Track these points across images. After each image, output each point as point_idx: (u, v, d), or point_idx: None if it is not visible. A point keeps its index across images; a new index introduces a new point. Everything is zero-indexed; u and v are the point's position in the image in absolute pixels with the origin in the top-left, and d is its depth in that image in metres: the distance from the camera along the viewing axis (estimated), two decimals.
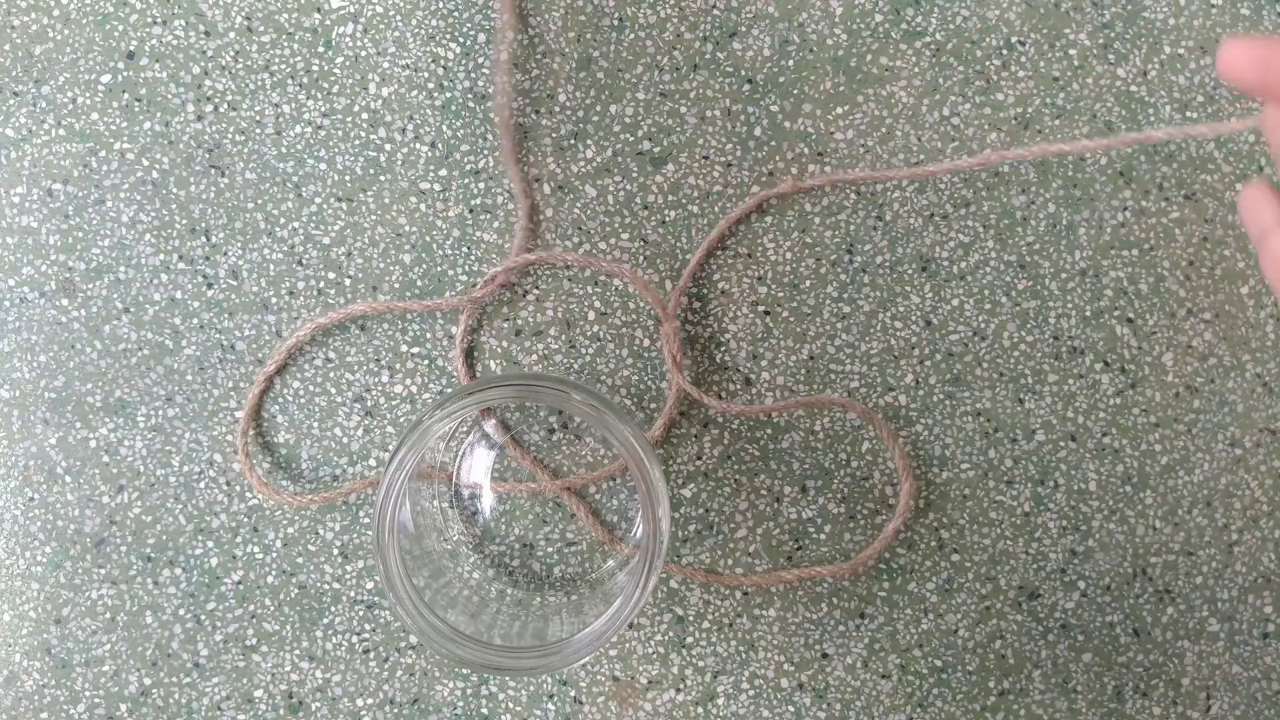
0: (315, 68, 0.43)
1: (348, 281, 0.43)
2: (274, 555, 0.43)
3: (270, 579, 0.43)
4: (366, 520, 0.43)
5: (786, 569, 0.42)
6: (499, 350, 0.43)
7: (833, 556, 0.42)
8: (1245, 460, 0.43)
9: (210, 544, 0.43)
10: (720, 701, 0.42)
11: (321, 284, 0.43)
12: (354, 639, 0.42)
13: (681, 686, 0.42)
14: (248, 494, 0.42)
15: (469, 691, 0.42)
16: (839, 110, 0.43)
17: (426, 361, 0.43)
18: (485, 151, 0.43)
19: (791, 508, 0.43)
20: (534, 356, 0.43)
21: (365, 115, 0.43)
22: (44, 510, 0.43)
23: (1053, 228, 0.43)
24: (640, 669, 0.42)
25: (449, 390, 0.42)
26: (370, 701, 0.42)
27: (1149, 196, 0.43)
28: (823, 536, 0.42)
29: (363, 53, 0.43)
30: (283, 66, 0.43)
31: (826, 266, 0.43)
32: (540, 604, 0.42)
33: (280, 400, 0.43)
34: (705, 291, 0.43)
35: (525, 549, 0.43)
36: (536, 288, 0.43)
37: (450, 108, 0.43)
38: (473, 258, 0.43)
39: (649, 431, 0.42)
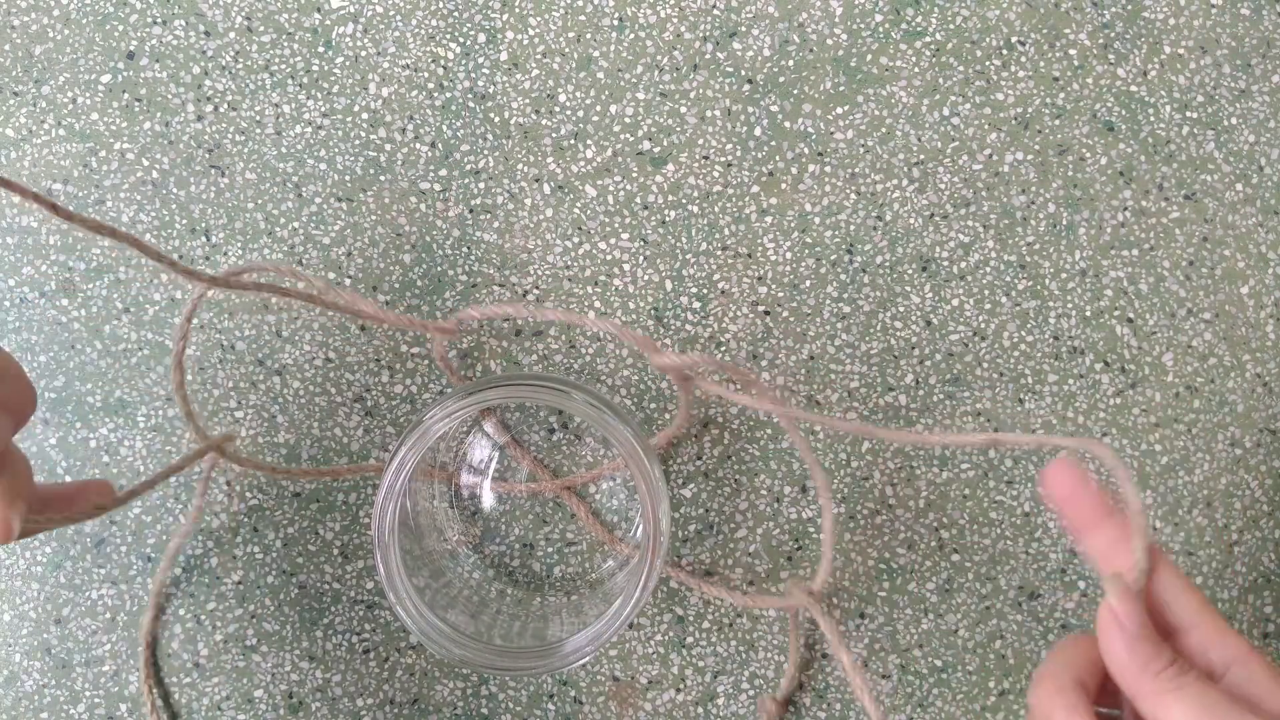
0: (315, 68, 0.43)
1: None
2: (274, 555, 0.43)
3: (270, 579, 0.43)
4: (366, 520, 0.43)
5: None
6: (499, 350, 0.43)
7: (832, 556, 0.42)
8: (1245, 460, 0.43)
9: (210, 544, 0.43)
10: (720, 701, 0.42)
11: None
12: (354, 639, 0.42)
13: (681, 686, 0.42)
14: (248, 494, 0.42)
15: (469, 691, 0.42)
16: (839, 110, 0.43)
17: (426, 361, 0.43)
18: (485, 151, 0.43)
19: (791, 508, 0.43)
20: (534, 356, 0.43)
21: (365, 115, 0.43)
22: None
23: (1053, 228, 0.43)
24: (640, 669, 0.42)
25: (449, 390, 0.42)
26: (370, 701, 0.42)
27: (1149, 196, 0.43)
28: (823, 536, 0.42)
29: (363, 53, 0.43)
30: (283, 66, 0.43)
31: (826, 266, 0.43)
32: (540, 604, 0.42)
33: (280, 400, 0.43)
34: (705, 292, 0.43)
35: (525, 549, 0.43)
36: (537, 288, 0.43)
37: (450, 108, 0.43)
38: (473, 258, 0.43)
39: (650, 438, 0.42)
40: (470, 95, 0.43)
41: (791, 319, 0.43)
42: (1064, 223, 0.43)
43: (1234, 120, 0.43)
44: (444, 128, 0.43)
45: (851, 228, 0.43)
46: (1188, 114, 0.43)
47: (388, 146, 0.43)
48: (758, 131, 0.43)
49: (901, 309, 0.43)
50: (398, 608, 0.36)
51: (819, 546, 0.42)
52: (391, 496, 0.36)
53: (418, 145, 0.43)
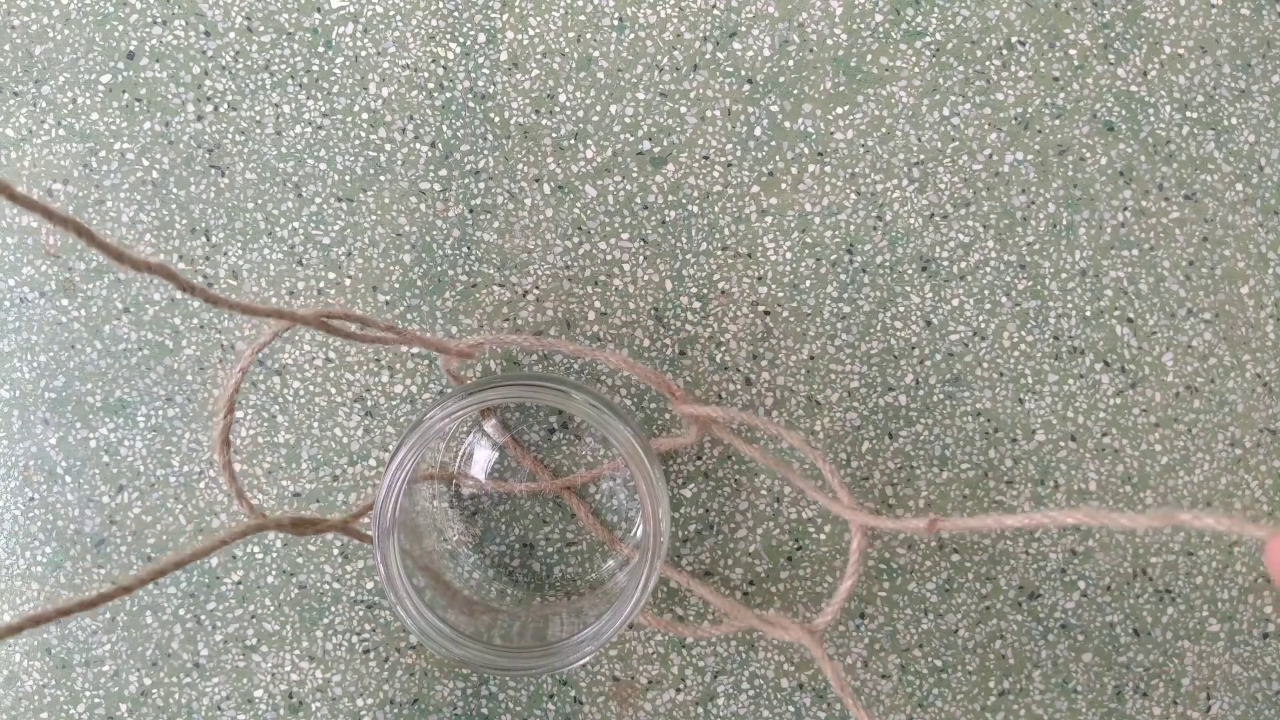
0: (315, 68, 0.43)
1: (348, 281, 0.43)
2: (274, 555, 0.43)
3: (270, 579, 0.43)
4: (366, 520, 0.43)
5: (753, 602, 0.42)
6: (499, 350, 0.43)
7: (832, 556, 0.42)
8: (1245, 460, 0.43)
9: None
10: (720, 701, 0.42)
11: (321, 284, 0.43)
12: (354, 639, 0.42)
13: (681, 686, 0.42)
14: (247, 493, 0.42)
15: (469, 691, 0.42)
16: (839, 110, 0.43)
17: (426, 361, 0.43)
18: (485, 151, 0.43)
19: (791, 508, 0.43)
20: (534, 356, 0.43)
21: (365, 115, 0.43)
22: (44, 510, 0.43)
23: (1053, 228, 0.43)
24: (640, 669, 0.42)
25: (449, 390, 0.42)
26: (370, 701, 0.42)
27: (1149, 196, 0.43)
28: (822, 536, 0.42)
29: (363, 53, 0.43)
30: (283, 66, 0.43)
31: (826, 266, 0.43)
32: (540, 604, 0.42)
33: (280, 400, 0.43)
34: (705, 292, 0.43)
35: (525, 549, 0.43)
36: (537, 288, 0.43)
37: (450, 108, 0.43)
38: (473, 258, 0.43)
39: (653, 440, 0.42)
40: (470, 95, 0.43)
41: (791, 319, 0.43)
42: (1064, 223, 0.43)
43: (1234, 120, 0.43)
44: (444, 128, 0.43)
45: (851, 228, 0.43)
46: (1188, 114, 0.43)
47: (388, 146, 0.43)
48: (758, 131, 0.43)
49: (901, 309, 0.43)
50: (398, 608, 0.36)
51: (819, 547, 0.42)
52: (391, 496, 0.36)
53: (418, 145, 0.43)
